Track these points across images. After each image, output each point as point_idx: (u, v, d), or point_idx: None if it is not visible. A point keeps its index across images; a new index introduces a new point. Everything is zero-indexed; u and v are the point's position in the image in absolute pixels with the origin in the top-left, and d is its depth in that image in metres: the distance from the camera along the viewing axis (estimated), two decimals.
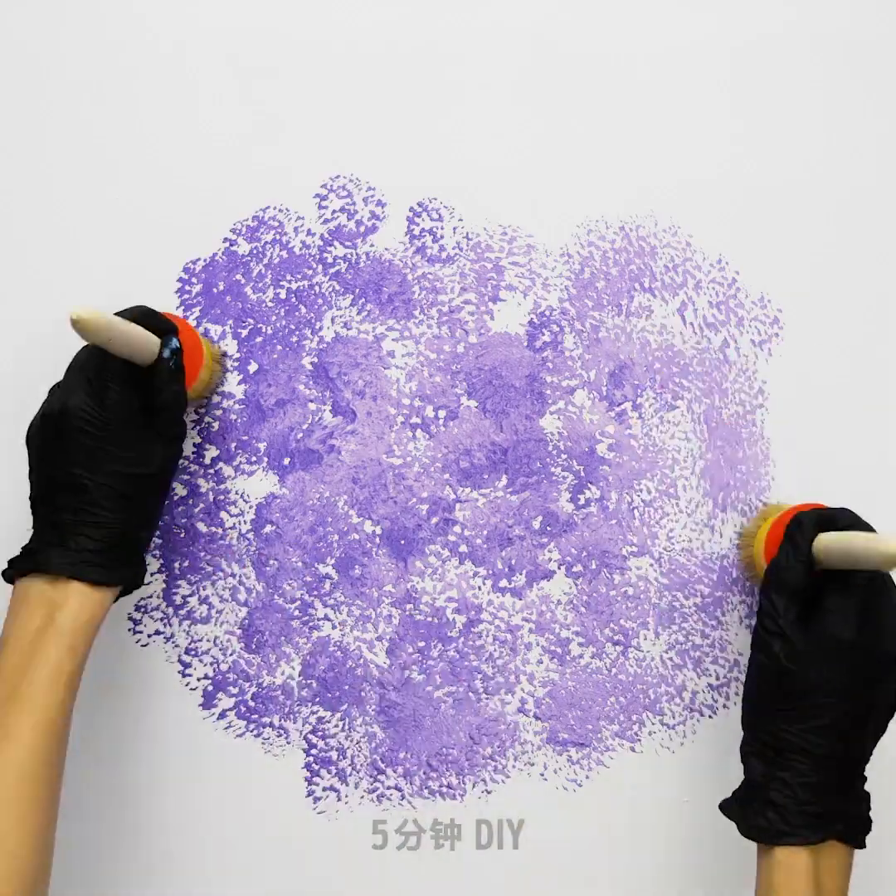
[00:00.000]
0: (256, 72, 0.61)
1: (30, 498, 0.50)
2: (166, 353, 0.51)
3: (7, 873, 0.43)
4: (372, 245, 0.61)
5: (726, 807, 0.49)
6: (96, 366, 0.49)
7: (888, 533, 0.45)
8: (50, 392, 0.51)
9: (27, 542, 0.50)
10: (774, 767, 0.46)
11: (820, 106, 0.61)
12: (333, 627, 0.61)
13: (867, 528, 0.49)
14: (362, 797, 0.61)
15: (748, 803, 0.48)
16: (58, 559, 0.47)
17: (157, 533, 0.61)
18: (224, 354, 0.61)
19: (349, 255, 0.61)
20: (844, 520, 0.50)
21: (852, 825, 0.46)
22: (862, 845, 0.47)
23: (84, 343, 0.50)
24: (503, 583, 0.61)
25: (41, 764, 0.45)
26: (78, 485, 0.48)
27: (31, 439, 0.50)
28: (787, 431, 0.61)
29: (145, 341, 0.50)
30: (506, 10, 0.61)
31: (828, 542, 0.47)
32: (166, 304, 0.61)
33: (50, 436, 0.49)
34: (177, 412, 0.52)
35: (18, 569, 0.49)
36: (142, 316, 0.52)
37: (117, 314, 0.50)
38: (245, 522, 0.61)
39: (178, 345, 0.52)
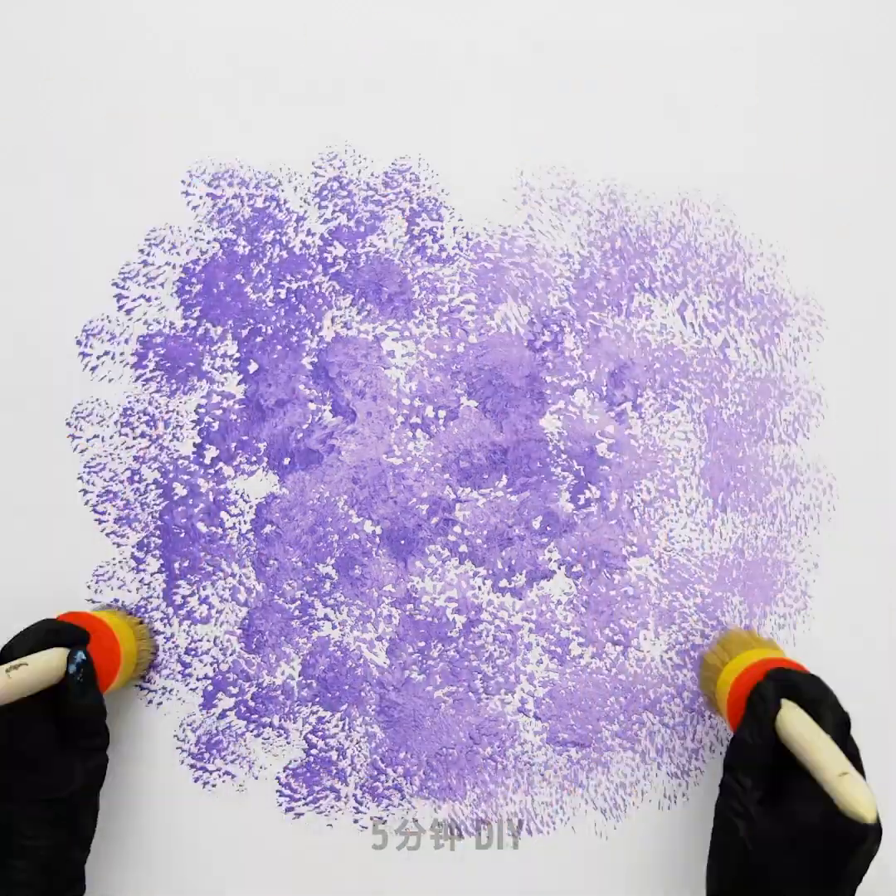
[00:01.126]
0: (256, 72, 0.61)
1: None
2: (72, 669, 0.49)
3: None
4: (372, 245, 0.61)
5: None
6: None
7: (850, 782, 0.40)
8: None
9: None
10: None
11: (820, 106, 0.61)
12: (333, 627, 0.61)
13: (833, 701, 0.47)
14: (362, 797, 0.61)
15: None
16: None
17: (157, 533, 0.61)
18: (153, 632, 0.60)
19: (349, 255, 0.61)
20: (809, 692, 0.47)
21: None
22: None
23: None
24: (503, 583, 0.61)
25: None
26: (2, 818, 0.46)
27: None
28: (788, 430, 0.61)
29: (44, 670, 0.48)
30: (505, 12, 0.61)
31: (788, 735, 0.45)
32: (166, 305, 0.61)
33: None
34: (93, 722, 0.50)
35: None
36: (45, 635, 0.50)
37: (18, 635, 0.50)
38: (245, 522, 0.61)
39: (84, 657, 0.50)
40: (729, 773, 0.47)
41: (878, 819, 0.41)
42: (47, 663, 0.48)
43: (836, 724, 0.46)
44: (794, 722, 0.45)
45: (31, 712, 0.47)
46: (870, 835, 0.43)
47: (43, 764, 0.48)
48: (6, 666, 0.46)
